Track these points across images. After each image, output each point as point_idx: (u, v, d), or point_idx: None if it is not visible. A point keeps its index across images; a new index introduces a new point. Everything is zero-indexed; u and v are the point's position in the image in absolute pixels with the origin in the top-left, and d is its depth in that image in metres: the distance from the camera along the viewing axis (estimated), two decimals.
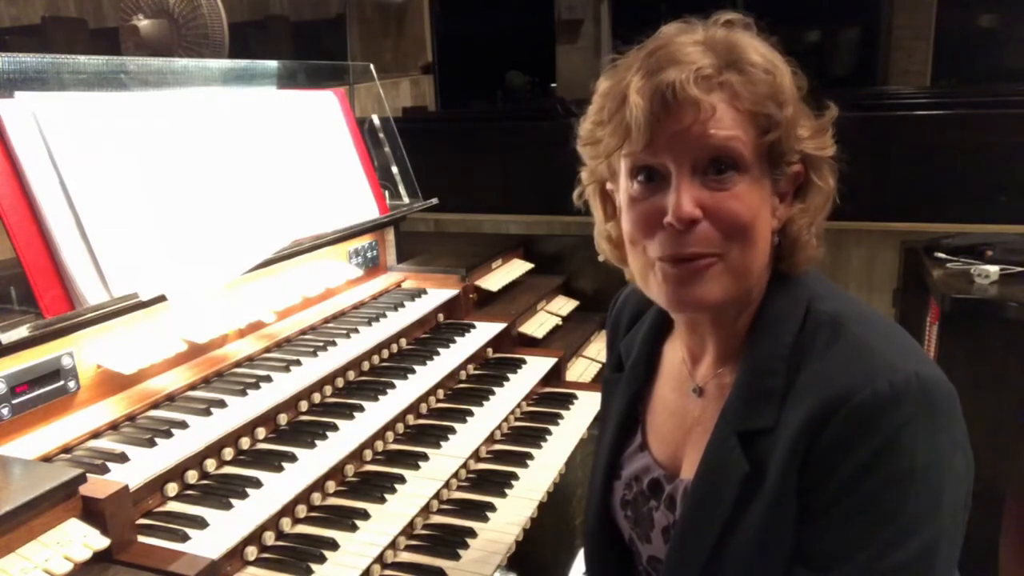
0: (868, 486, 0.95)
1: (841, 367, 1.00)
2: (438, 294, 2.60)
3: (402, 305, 2.46)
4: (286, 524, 1.61)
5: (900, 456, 0.94)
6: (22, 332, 1.50)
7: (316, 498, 1.71)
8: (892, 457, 0.94)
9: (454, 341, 2.40)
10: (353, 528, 1.63)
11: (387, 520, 1.67)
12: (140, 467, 1.51)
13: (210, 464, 1.64)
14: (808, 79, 1.08)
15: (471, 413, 2.13)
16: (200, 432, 1.64)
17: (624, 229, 1.11)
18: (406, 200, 2.88)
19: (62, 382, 1.61)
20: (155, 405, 1.75)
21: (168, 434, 1.62)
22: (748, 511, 1.04)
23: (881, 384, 0.95)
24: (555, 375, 2.52)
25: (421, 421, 2.11)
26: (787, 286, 1.11)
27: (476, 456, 2.02)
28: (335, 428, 1.83)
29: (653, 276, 1.08)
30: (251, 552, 1.51)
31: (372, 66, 3.23)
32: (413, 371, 2.15)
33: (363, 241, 2.62)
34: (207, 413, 1.71)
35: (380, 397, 2.00)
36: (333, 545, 1.56)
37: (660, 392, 1.29)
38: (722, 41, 1.03)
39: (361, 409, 1.93)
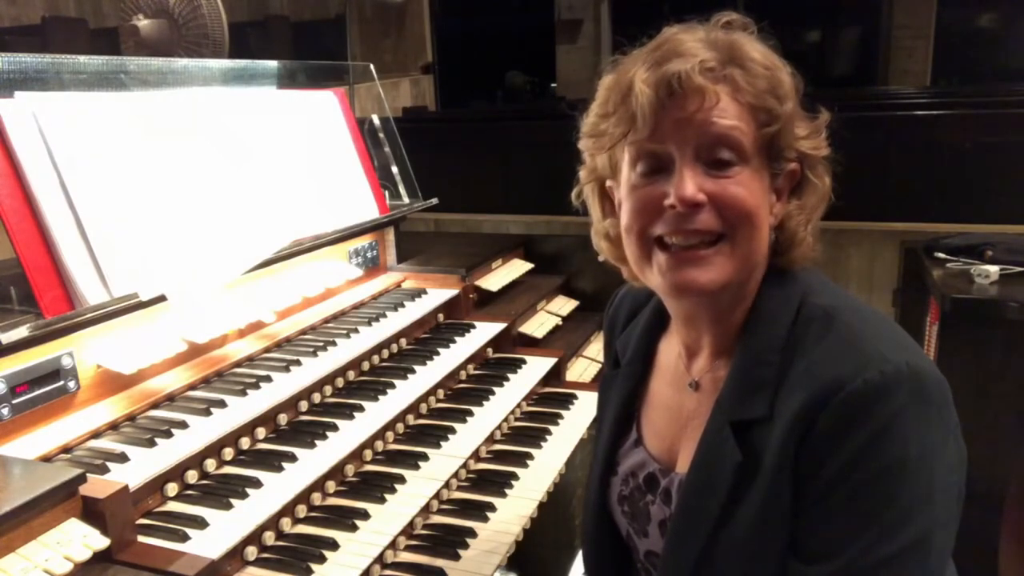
0: (860, 475, 0.96)
1: (833, 358, 1.01)
2: (438, 294, 2.60)
3: (402, 305, 2.46)
4: (286, 524, 1.61)
5: (892, 445, 0.95)
6: (22, 332, 1.50)
7: (316, 498, 1.71)
8: (884, 446, 0.95)
9: (454, 341, 2.40)
10: (353, 528, 1.63)
11: (387, 520, 1.67)
12: (140, 467, 1.51)
13: (210, 464, 1.64)
14: (804, 83, 1.09)
15: (471, 413, 2.13)
16: (200, 432, 1.64)
17: (623, 219, 1.12)
18: (406, 200, 2.88)
19: (62, 382, 1.61)
20: (155, 405, 1.75)
21: (168, 434, 1.62)
22: (743, 501, 1.05)
23: (872, 374, 0.96)
24: (555, 375, 2.52)
25: (421, 421, 2.11)
26: (782, 281, 1.12)
27: (476, 456, 2.02)
28: (335, 428, 1.83)
29: (652, 264, 1.10)
30: (251, 552, 1.51)
31: (372, 66, 3.23)
32: (413, 371, 2.15)
33: (363, 241, 2.62)
34: (207, 413, 1.71)
35: (380, 397, 2.00)
36: (333, 545, 1.56)
37: (656, 388, 1.30)
38: (723, 40, 1.06)
39: (361, 409, 1.93)
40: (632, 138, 1.06)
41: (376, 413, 1.94)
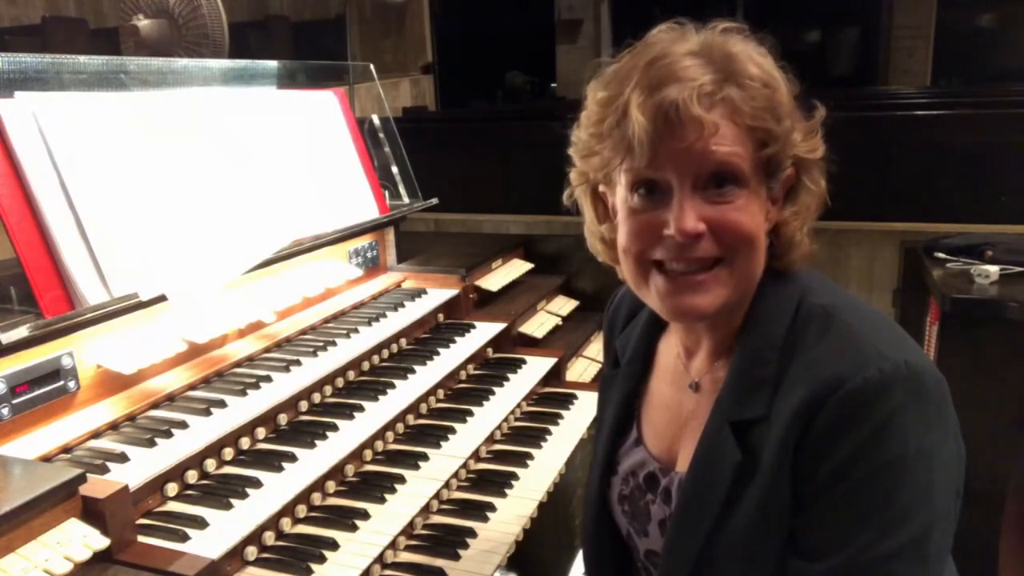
0: (859, 473, 0.96)
1: (832, 356, 1.01)
2: (438, 294, 2.60)
3: (402, 305, 2.46)
4: (286, 524, 1.61)
5: (890, 443, 0.95)
6: (22, 332, 1.50)
7: (316, 498, 1.71)
8: (882, 444, 0.95)
9: (454, 341, 2.40)
10: (353, 528, 1.63)
11: (387, 520, 1.67)
12: (140, 467, 1.51)
13: (210, 464, 1.64)
14: (802, 81, 1.08)
15: (471, 413, 2.13)
16: (200, 432, 1.64)
17: (620, 239, 1.11)
18: (406, 200, 2.88)
19: (62, 382, 1.61)
20: (155, 405, 1.75)
21: (168, 434, 1.62)
22: (742, 500, 1.05)
23: (871, 372, 0.97)
24: (555, 375, 2.52)
25: (421, 421, 2.11)
26: (780, 281, 1.12)
27: (476, 456, 2.02)
28: (335, 428, 1.83)
29: (649, 286, 1.10)
30: (251, 552, 1.51)
31: (372, 66, 3.23)
32: (413, 371, 2.15)
33: (363, 241, 2.62)
34: (207, 413, 1.71)
35: (380, 397, 2.00)
36: (333, 545, 1.56)
37: (655, 387, 1.30)
38: (718, 50, 1.03)
39: (361, 409, 1.93)
40: (628, 166, 1.04)
41: (376, 413, 1.94)
